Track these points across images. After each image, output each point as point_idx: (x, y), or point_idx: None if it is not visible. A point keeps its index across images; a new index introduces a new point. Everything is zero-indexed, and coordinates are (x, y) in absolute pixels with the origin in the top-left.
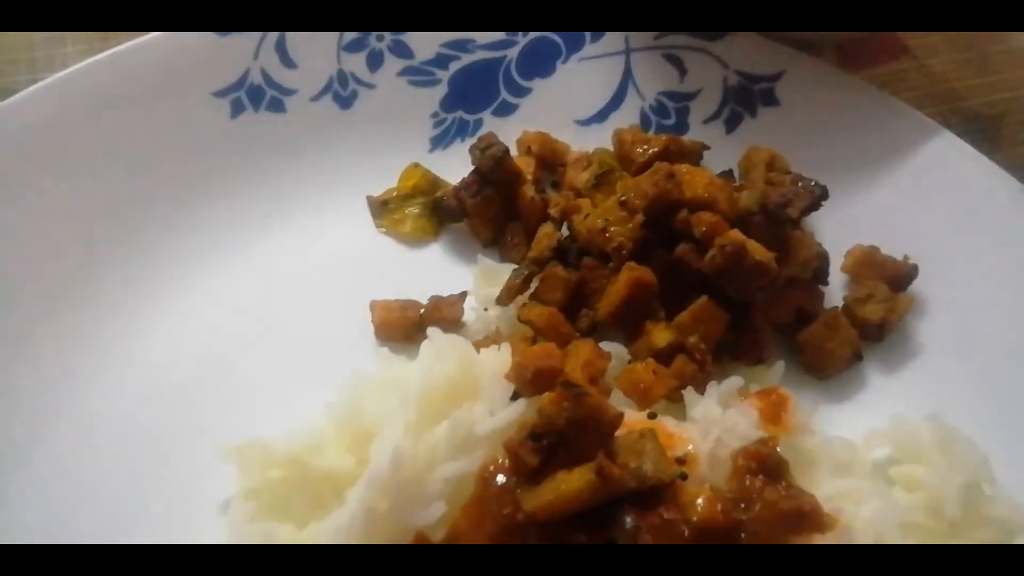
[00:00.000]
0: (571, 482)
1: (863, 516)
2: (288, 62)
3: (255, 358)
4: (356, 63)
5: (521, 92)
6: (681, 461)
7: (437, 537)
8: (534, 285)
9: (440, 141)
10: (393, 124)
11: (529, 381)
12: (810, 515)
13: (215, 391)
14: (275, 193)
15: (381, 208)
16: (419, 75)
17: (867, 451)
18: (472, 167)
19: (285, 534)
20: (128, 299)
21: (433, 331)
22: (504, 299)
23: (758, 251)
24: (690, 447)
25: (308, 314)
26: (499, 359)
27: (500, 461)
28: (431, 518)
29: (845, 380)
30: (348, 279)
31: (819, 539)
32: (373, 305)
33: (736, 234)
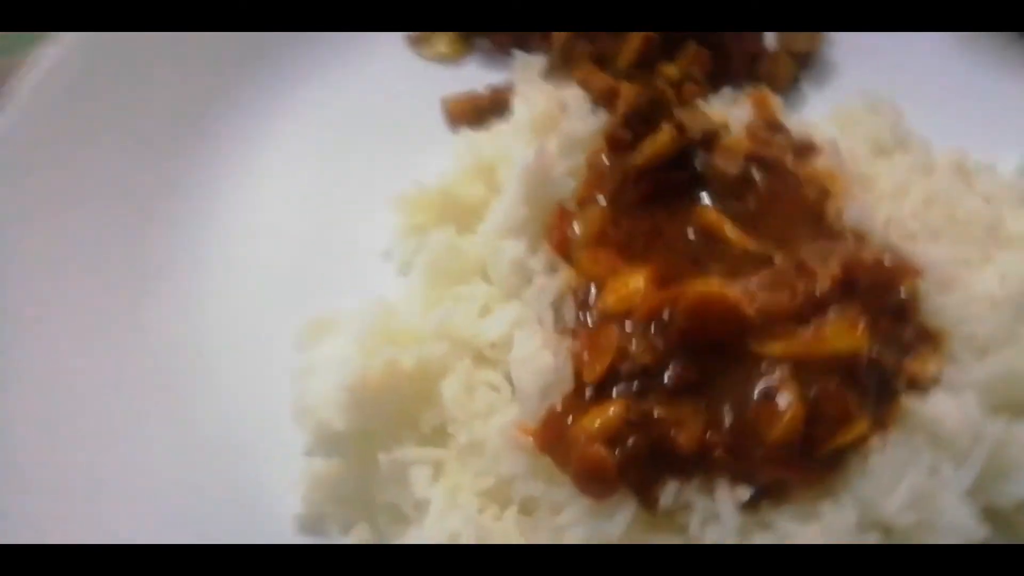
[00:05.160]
0: (659, 138)
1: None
2: None
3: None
4: None
5: None
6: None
7: (570, 207)
8: None
9: None
10: None
11: (600, 96)
12: (806, 145)
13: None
14: None
15: (418, 41)
16: None
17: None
18: None
19: (445, 238)
20: None
21: (521, 88)
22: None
23: None
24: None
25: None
26: (576, 92)
27: (600, 149)
28: (567, 190)
29: (792, 96)
30: (421, 90)
31: (813, 166)
32: (444, 100)
33: None
